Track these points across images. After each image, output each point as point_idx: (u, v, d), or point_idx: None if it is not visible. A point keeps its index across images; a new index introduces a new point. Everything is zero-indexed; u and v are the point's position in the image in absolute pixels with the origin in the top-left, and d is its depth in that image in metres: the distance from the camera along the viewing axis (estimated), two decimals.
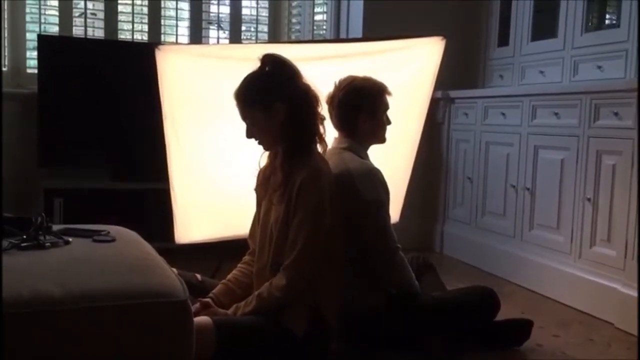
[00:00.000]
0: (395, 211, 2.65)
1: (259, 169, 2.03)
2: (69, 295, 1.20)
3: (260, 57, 1.89)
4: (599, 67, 3.00)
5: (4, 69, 3.51)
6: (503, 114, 3.31)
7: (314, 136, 1.92)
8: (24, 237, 1.52)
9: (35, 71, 3.38)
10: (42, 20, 3.64)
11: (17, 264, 1.36)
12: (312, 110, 1.90)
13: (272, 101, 1.86)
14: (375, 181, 2.11)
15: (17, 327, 1.14)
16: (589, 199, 2.67)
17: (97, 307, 1.21)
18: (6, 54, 3.51)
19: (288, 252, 1.82)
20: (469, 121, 3.60)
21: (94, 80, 3.26)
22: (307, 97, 1.89)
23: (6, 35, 3.50)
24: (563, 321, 2.57)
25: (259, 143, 1.94)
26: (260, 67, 1.90)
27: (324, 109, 1.99)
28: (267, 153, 1.99)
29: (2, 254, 1.16)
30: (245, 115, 1.92)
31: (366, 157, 2.21)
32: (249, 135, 1.93)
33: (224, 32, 4.07)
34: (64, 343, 1.19)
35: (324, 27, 4.13)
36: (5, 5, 3.48)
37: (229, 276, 2.06)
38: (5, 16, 3.48)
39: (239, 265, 2.10)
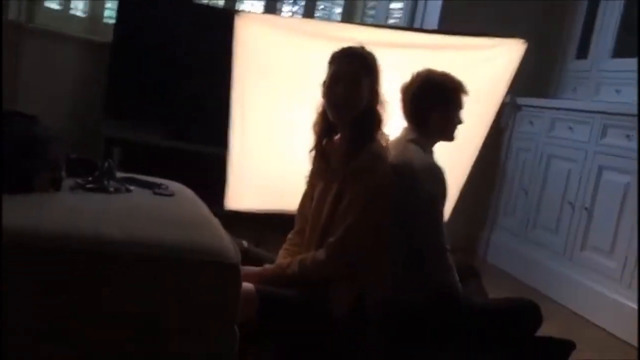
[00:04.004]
0: (447, 210, 2.61)
1: (311, 158, 2.03)
2: (129, 240, 1.23)
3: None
4: None
5: (83, 15, 3.60)
6: (570, 128, 3.22)
7: (379, 127, 1.91)
8: (90, 179, 1.55)
9: (112, 21, 3.44)
10: None
11: (82, 204, 1.40)
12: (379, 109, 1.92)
13: (375, 81, 1.88)
14: (435, 177, 2.07)
15: (79, 264, 1.17)
16: None
17: (153, 256, 1.23)
18: (86, 1, 3.60)
19: (334, 232, 1.83)
20: (533, 131, 3.51)
21: (167, 39, 3.30)
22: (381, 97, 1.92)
23: None
24: (603, 348, 2.50)
25: (341, 105, 1.88)
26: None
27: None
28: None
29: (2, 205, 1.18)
30: (357, 75, 1.88)
31: (431, 152, 2.17)
32: (344, 93, 1.87)
33: (298, 7, 4.07)
34: (118, 285, 1.21)
35: (399, 15, 4.08)
36: None
37: (279, 260, 2.01)
38: None
39: (285, 247, 2.08)
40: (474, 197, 3.71)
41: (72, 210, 1.30)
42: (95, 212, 1.33)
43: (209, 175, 2.64)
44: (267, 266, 1.91)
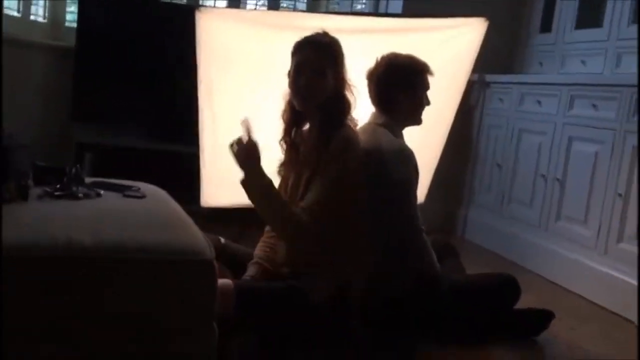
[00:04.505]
0: (421, 192, 2.63)
1: (282, 148, 2.03)
2: (100, 245, 1.23)
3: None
4: None
5: (43, 20, 3.54)
6: (539, 102, 3.26)
7: (348, 112, 1.94)
8: (58, 186, 1.54)
9: (74, 25, 3.39)
10: None
11: (51, 212, 1.39)
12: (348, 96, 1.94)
13: (339, 68, 1.90)
14: (405, 161, 2.10)
15: (51, 270, 1.17)
16: (620, 195, 2.63)
17: (125, 259, 1.23)
18: (46, 6, 3.54)
19: (312, 195, 1.83)
20: (503, 107, 3.55)
21: (132, 38, 3.27)
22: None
23: None
24: (582, 315, 2.55)
25: (306, 95, 1.90)
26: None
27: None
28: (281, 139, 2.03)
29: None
30: (320, 64, 1.89)
31: (400, 136, 2.19)
32: (308, 83, 1.88)
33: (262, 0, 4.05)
34: (92, 290, 1.22)
35: (364, 1, 4.08)
36: None
37: (258, 252, 2.04)
38: None
39: (263, 240, 2.09)
40: (449, 176, 3.74)
41: (40, 218, 1.30)
42: (64, 218, 1.32)
43: (185, 173, 2.63)
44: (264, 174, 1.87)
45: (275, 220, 1.88)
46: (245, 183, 1.84)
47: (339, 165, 1.83)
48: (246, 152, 1.79)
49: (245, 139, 1.80)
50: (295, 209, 1.83)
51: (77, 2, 3.34)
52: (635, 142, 2.59)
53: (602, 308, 2.63)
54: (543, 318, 2.25)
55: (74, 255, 1.17)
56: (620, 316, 2.53)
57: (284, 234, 1.89)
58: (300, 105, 1.92)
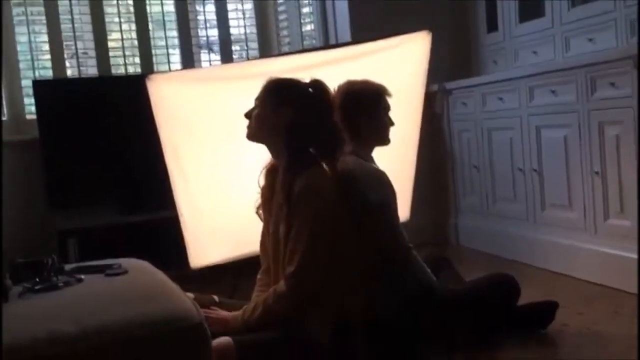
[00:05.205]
0: (404, 210, 2.65)
1: (259, 189, 2.04)
2: (85, 331, 1.21)
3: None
4: (590, 40, 2.99)
5: (4, 118, 3.56)
6: (501, 99, 3.31)
7: (315, 155, 1.94)
8: (37, 280, 1.53)
9: (34, 116, 3.41)
10: (36, 65, 3.68)
11: (32, 307, 1.37)
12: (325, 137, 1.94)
13: (284, 109, 1.90)
14: (379, 183, 2.11)
15: None
16: (597, 173, 2.65)
17: (113, 340, 1.21)
18: (4, 102, 3.56)
19: (288, 262, 1.84)
20: (468, 110, 3.59)
21: (92, 117, 3.30)
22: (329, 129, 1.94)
23: (2, 84, 3.55)
24: (587, 298, 2.55)
25: (251, 134, 1.97)
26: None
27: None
28: (263, 173, 2.02)
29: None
30: (258, 98, 1.96)
31: (371, 159, 2.22)
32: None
33: (216, 55, 4.10)
34: None
35: (314, 36, 4.15)
36: None
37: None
38: None
39: (257, 288, 2.08)
40: (432, 187, 3.78)
41: (20, 317, 1.28)
42: (45, 312, 1.31)
43: (168, 239, 2.62)
44: (235, 314, 1.89)
45: (273, 315, 1.85)
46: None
47: (305, 209, 1.82)
48: (214, 326, 1.74)
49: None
50: (277, 291, 1.83)
51: (32, 94, 3.36)
52: (600, 119, 2.63)
53: (605, 287, 2.63)
54: (547, 309, 2.24)
55: (57, 350, 1.15)
56: (624, 291, 2.53)
57: (288, 311, 1.85)
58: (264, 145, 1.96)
